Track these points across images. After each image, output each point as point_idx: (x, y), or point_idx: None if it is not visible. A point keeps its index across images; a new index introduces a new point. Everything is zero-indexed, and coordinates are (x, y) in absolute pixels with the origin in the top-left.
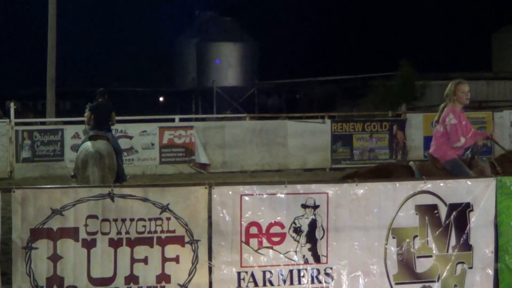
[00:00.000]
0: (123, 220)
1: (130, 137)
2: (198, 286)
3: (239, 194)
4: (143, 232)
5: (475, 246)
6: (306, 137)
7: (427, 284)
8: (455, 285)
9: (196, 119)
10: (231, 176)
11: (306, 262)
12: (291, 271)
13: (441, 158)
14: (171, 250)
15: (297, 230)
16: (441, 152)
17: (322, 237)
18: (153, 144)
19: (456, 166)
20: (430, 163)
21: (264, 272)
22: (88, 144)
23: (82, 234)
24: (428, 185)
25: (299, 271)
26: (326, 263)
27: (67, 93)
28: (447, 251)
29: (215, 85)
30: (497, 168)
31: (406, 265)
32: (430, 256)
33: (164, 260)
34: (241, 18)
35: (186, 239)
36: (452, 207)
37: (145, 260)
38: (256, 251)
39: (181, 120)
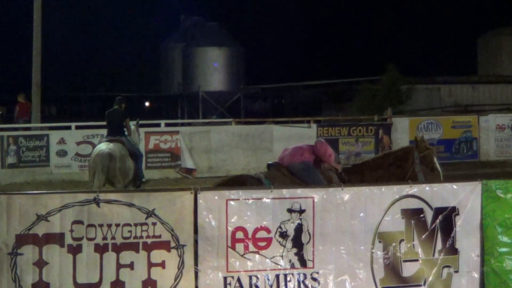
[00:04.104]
0: (109, 226)
1: None
2: None
3: (225, 199)
4: (129, 238)
5: (461, 250)
6: (292, 141)
7: None
8: None
9: (182, 124)
10: (217, 181)
11: (293, 266)
12: (277, 276)
13: (295, 160)
14: (157, 255)
15: (283, 235)
16: (295, 158)
17: (308, 242)
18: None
19: (308, 168)
20: (276, 171)
21: (250, 277)
22: (102, 145)
23: (68, 240)
24: (414, 189)
25: (285, 275)
26: (313, 267)
27: (53, 98)
28: (433, 255)
29: (201, 90)
30: (344, 178)
31: (393, 269)
32: (416, 260)
33: (150, 265)
34: (227, 23)
35: (172, 244)
36: (438, 211)
37: (131, 266)
38: (242, 256)
39: (166, 125)
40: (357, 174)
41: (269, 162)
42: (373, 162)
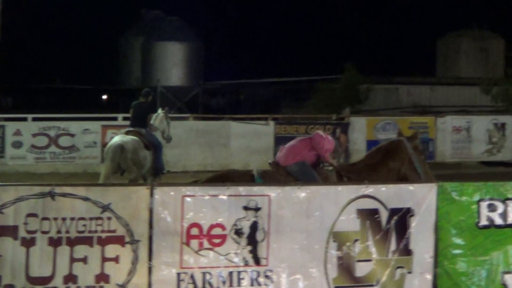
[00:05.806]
0: (64, 219)
1: (72, 135)
2: (137, 286)
3: (180, 195)
4: (83, 232)
5: (415, 251)
6: (249, 138)
7: None
8: None
9: None
10: (173, 177)
11: (246, 264)
12: (231, 273)
13: (289, 161)
14: (111, 250)
15: (238, 232)
16: (288, 160)
17: (263, 240)
18: (95, 143)
19: (303, 168)
20: (273, 170)
21: (204, 274)
22: (117, 137)
23: (22, 233)
24: (370, 189)
25: (239, 273)
26: (266, 265)
27: (8, 89)
28: (387, 256)
29: (160, 84)
30: (344, 178)
31: (346, 268)
32: (370, 260)
33: (104, 260)
34: (187, 17)
35: (127, 239)
36: (393, 211)
37: (84, 260)
38: (196, 252)
39: (124, 118)
40: (356, 173)
41: (269, 161)
42: (369, 158)
